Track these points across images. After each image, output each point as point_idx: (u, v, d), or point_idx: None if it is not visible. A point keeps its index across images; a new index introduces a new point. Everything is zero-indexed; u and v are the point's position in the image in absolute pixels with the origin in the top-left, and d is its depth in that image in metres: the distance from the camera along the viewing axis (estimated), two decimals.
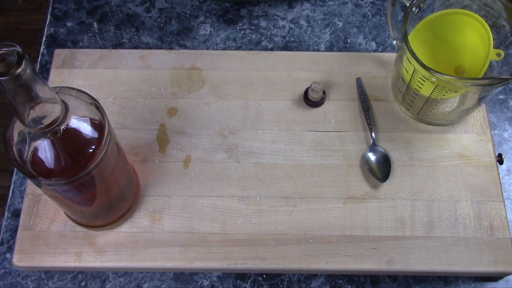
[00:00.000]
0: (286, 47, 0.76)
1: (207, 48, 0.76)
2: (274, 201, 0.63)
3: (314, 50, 0.76)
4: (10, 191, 0.66)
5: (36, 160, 0.46)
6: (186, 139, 0.67)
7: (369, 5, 0.80)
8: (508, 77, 0.55)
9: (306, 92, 0.69)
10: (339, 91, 0.70)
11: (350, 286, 0.62)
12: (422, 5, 0.62)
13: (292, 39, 0.76)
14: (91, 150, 0.47)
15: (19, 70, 0.38)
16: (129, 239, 0.61)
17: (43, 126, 0.43)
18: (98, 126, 0.48)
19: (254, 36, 0.76)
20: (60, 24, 0.78)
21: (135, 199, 0.62)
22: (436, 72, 0.56)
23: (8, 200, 0.66)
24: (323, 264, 0.60)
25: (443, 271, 0.60)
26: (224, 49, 0.76)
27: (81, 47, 0.76)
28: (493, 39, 0.59)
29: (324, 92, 0.68)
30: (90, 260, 0.60)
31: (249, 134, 0.67)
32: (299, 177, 0.64)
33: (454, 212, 0.62)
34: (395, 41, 0.68)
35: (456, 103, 0.64)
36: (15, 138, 0.46)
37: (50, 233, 0.61)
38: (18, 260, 0.60)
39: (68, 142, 0.46)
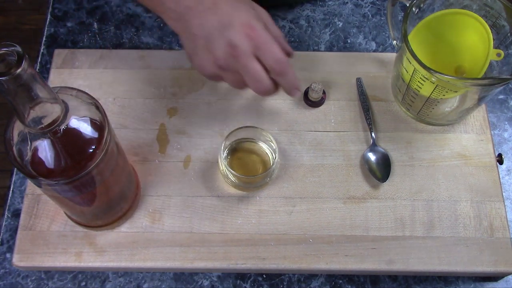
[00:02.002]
0: None
1: None
2: (274, 201, 0.63)
3: (314, 50, 0.76)
4: (10, 191, 0.66)
5: (36, 160, 0.46)
6: (186, 139, 0.67)
7: (369, 5, 0.80)
8: (508, 77, 0.55)
9: (306, 92, 0.69)
10: (339, 91, 0.70)
11: (350, 286, 0.62)
12: (422, 5, 0.62)
13: (292, 39, 0.76)
14: (91, 150, 0.47)
15: (19, 70, 0.38)
16: (129, 239, 0.61)
17: (43, 126, 0.43)
18: (98, 126, 0.48)
19: None
20: (60, 24, 0.78)
21: (135, 199, 0.62)
22: (436, 72, 0.56)
23: (8, 200, 0.66)
24: (323, 264, 0.60)
25: (443, 271, 0.60)
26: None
27: (81, 47, 0.76)
28: (493, 39, 0.59)
29: (324, 92, 0.68)
30: (90, 260, 0.60)
31: None
32: (299, 177, 0.64)
33: (454, 212, 0.62)
34: (395, 41, 0.68)
35: (456, 103, 0.64)
36: (15, 138, 0.46)
37: (50, 233, 0.61)
38: (18, 260, 0.60)
39: (68, 142, 0.46)
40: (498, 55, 0.59)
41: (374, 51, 0.76)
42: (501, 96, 0.73)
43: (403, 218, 0.62)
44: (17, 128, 0.45)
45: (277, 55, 0.56)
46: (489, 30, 0.59)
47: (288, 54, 0.60)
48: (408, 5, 0.61)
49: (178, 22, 0.57)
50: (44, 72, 0.73)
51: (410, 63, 0.59)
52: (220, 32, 0.55)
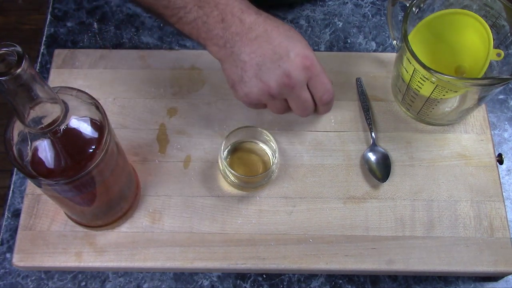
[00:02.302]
0: None
1: None
2: (274, 201, 0.63)
3: (314, 50, 0.75)
4: (10, 191, 0.66)
5: (36, 160, 0.46)
6: (186, 139, 0.67)
7: (369, 5, 0.80)
8: (508, 77, 0.55)
9: None
10: (339, 91, 0.70)
11: (350, 286, 0.62)
12: (422, 5, 0.62)
13: None
14: (91, 150, 0.47)
15: (19, 70, 0.38)
16: (129, 239, 0.61)
17: (43, 126, 0.43)
18: (98, 126, 0.48)
19: None
20: (60, 24, 0.78)
21: (135, 199, 0.62)
22: (436, 72, 0.56)
23: (8, 200, 0.66)
24: (323, 264, 0.60)
25: (443, 271, 0.60)
26: None
27: (81, 47, 0.76)
28: (493, 39, 0.59)
29: None
30: (90, 260, 0.60)
31: None
32: (299, 177, 0.64)
33: (454, 212, 0.62)
34: (395, 41, 0.68)
35: (456, 103, 0.64)
36: (15, 138, 0.46)
37: (50, 233, 0.61)
38: (18, 260, 0.60)
39: (68, 142, 0.46)
40: (498, 55, 0.59)
41: (374, 51, 0.76)
42: (501, 96, 0.73)
43: (403, 218, 0.62)
44: (17, 128, 0.45)
45: (328, 86, 0.58)
46: (489, 30, 0.59)
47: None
48: (408, 5, 0.61)
49: (223, 48, 0.56)
50: (44, 72, 0.73)
51: (410, 63, 0.59)
52: (275, 62, 0.55)
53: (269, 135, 0.62)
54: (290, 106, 0.59)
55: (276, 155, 0.62)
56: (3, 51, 0.38)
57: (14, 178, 0.67)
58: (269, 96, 0.57)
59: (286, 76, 0.55)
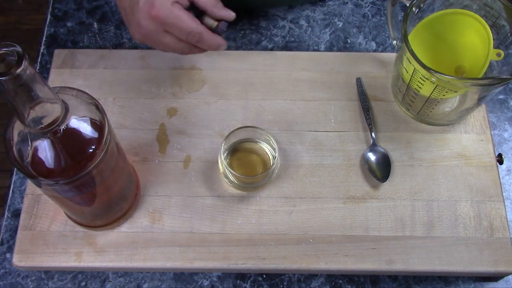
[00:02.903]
0: (286, 47, 0.76)
1: None
2: (274, 201, 0.63)
3: (314, 50, 0.76)
4: (10, 191, 0.66)
5: (36, 160, 0.46)
6: (186, 139, 0.67)
7: (369, 5, 0.80)
8: (508, 77, 0.55)
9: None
10: (339, 91, 0.70)
11: (350, 286, 0.62)
12: (422, 5, 0.62)
13: (292, 39, 0.76)
14: (91, 150, 0.47)
15: (19, 70, 0.38)
16: (129, 239, 0.61)
17: (43, 126, 0.43)
18: (98, 126, 0.48)
19: (254, 36, 0.76)
20: (60, 24, 0.78)
21: (135, 199, 0.62)
22: (436, 72, 0.56)
23: (8, 200, 0.66)
24: (323, 264, 0.60)
25: (443, 271, 0.60)
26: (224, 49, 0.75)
27: (81, 47, 0.76)
28: (493, 39, 0.59)
29: (220, 22, 0.62)
30: (90, 260, 0.60)
31: None
32: (299, 177, 0.64)
33: (454, 212, 0.62)
34: (395, 41, 0.68)
35: (456, 103, 0.64)
36: (15, 138, 0.46)
37: (50, 233, 0.61)
38: (18, 260, 0.60)
39: (68, 142, 0.46)
40: (498, 55, 0.59)
41: (374, 51, 0.76)
42: (501, 96, 0.73)
43: (403, 218, 0.62)
44: (17, 128, 0.45)
45: (188, 29, 0.56)
46: (489, 30, 0.59)
47: (223, 19, 0.60)
48: (408, 5, 0.61)
49: None
50: (44, 72, 0.73)
51: (410, 63, 0.59)
52: (132, 9, 0.57)
53: (269, 135, 0.62)
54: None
55: (276, 155, 0.62)
56: (3, 51, 0.38)
57: (14, 178, 0.67)
58: (138, 40, 0.59)
59: (138, 25, 0.56)
